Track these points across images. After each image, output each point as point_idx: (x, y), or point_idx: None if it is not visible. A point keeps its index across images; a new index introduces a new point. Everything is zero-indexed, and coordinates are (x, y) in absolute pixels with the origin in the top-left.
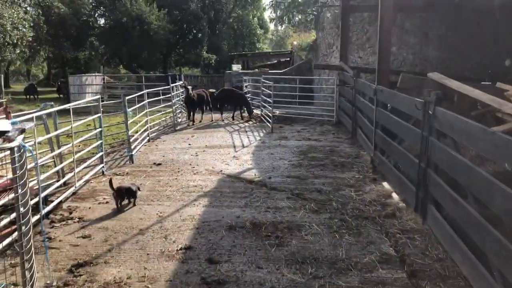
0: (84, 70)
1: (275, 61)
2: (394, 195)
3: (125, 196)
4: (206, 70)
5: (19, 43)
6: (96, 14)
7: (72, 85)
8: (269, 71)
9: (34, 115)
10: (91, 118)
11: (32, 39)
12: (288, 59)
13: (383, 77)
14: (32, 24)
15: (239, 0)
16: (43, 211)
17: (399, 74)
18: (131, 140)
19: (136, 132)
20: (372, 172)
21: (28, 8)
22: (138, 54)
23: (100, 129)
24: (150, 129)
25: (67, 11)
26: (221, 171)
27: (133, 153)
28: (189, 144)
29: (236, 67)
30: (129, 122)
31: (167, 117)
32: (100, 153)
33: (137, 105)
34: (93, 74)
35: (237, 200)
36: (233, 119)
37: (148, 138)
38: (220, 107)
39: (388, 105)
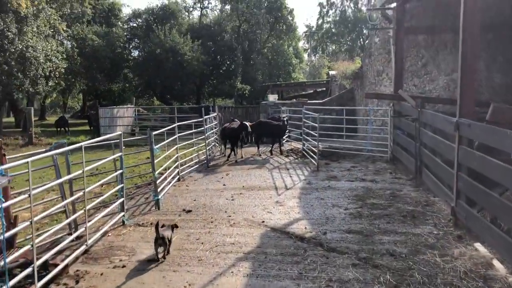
0: (118, 101)
1: (311, 91)
2: (497, 263)
3: (167, 243)
4: (239, 101)
5: (52, 75)
6: (131, 46)
7: (102, 118)
8: (308, 101)
9: (41, 156)
10: (111, 158)
11: (65, 71)
12: (324, 89)
13: (467, 108)
14: (65, 56)
15: (274, 30)
16: (39, 283)
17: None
18: (158, 181)
19: (166, 169)
20: (453, 227)
21: (64, 41)
22: (171, 85)
23: (121, 171)
24: (181, 166)
25: (101, 43)
26: (263, 222)
27: (159, 197)
28: (224, 185)
29: (272, 98)
30: (156, 160)
31: (200, 152)
32: (121, 199)
33: (166, 141)
34: (125, 106)
35: (287, 267)
36: (272, 154)
37: (178, 176)
38: (256, 140)
39: (476, 142)
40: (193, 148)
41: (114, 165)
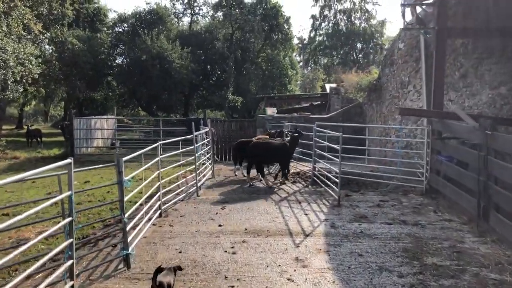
0: (101, 111)
1: (306, 105)
2: None
3: None
4: (230, 113)
5: (24, 80)
6: (115, 53)
7: (77, 129)
8: (311, 116)
9: None
10: (57, 199)
11: (44, 77)
12: (319, 102)
13: None
14: (40, 61)
15: (269, 39)
16: None
17: None
18: (131, 224)
19: (144, 202)
20: None
21: (41, 44)
22: (158, 94)
23: (69, 219)
24: (164, 196)
25: (82, 48)
26: None
27: (130, 250)
28: (220, 225)
29: (270, 111)
30: (128, 196)
31: (188, 176)
32: (68, 262)
33: (144, 167)
34: (104, 117)
35: None
36: (275, 179)
37: (160, 211)
38: (258, 167)
39: None
40: (179, 173)
41: (61, 210)
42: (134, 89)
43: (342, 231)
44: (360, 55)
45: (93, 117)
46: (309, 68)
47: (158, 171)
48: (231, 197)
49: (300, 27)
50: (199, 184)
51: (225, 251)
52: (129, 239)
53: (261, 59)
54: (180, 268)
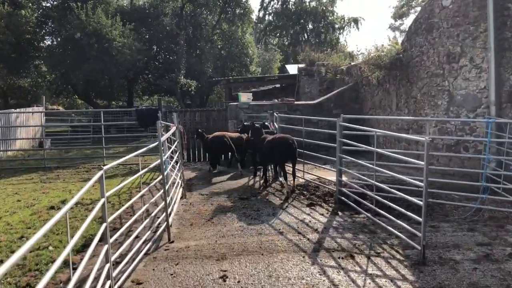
0: (31, 101)
1: (270, 87)
2: None
3: None
4: (182, 100)
5: None
6: (43, 32)
7: None
8: (296, 103)
9: None
10: None
11: None
12: (280, 85)
13: None
14: None
15: (224, 13)
16: None
17: None
18: None
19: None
20: None
21: None
22: (96, 79)
23: None
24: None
25: (0, 25)
26: None
27: None
28: None
29: (245, 97)
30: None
31: (147, 194)
32: None
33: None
34: (29, 110)
35: None
36: (266, 184)
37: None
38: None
39: None
40: (143, 210)
41: None
42: (67, 73)
43: None
44: (312, 35)
45: (13, 110)
46: (258, 48)
47: (103, 201)
48: (227, 243)
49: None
50: (170, 219)
51: None
52: None
53: (217, 36)
54: None
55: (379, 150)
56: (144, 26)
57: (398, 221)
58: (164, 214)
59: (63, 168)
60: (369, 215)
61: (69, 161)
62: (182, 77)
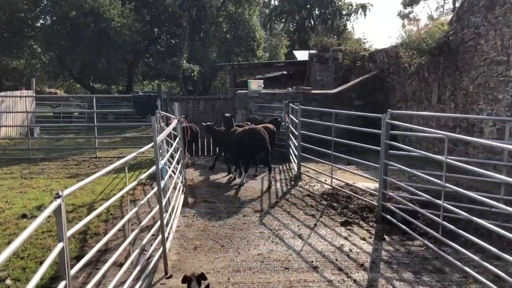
0: (26, 83)
1: (277, 74)
2: None
3: None
4: (184, 86)
5: None
6: (37, 9)
7: None
8: (312, 92)
9: None
10: None
11: None
12: (287, 72)
13: None
14: None
15: None
16: None
17: None
18: None
19: None
20: None
21: None
22: (93, 62)
23: None
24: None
25: None
26: None
27: None
28: None
29: (256, 85)
30: None
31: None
32: None
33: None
34: (17, 94)
35: None
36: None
37: None
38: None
39: None
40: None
41: None
42: (62, 55)
43: None
44: (318, 22)
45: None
46: (263, 33)
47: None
48: (243, 283)
49: None
50: (168, 243)
51: None
52: None
53: (223, 18)
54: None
55: (450, 160)
56: (145, 6)
57: (469, 254)
58: (161, 236)
59: (50, 160)
60: (429, 243)
61: (58, 151)
62: (184, 62)
